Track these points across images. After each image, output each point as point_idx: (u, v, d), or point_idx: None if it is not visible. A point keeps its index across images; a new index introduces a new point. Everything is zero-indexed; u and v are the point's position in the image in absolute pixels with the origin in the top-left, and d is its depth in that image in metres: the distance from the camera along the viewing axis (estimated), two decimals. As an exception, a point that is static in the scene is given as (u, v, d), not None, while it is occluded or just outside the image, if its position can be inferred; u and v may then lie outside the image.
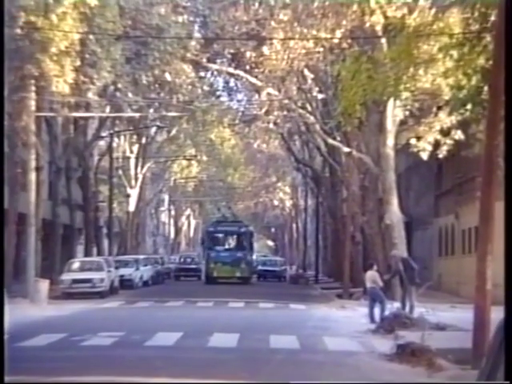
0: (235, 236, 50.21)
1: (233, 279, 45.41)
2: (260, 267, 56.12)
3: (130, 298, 30.91)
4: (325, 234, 56.32)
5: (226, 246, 49.64)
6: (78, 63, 26.80)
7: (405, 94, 21.85)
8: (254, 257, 63.61)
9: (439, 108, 24.28)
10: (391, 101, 25.08)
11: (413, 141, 26.05)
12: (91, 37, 27.19)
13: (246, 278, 46.31)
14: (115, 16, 27.46)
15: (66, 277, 31.70)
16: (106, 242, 49.38)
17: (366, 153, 29.51)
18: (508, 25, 11.42)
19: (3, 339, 7.33)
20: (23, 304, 26.49)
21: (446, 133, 24.82)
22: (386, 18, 18.87)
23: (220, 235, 49.43)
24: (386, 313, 19.54)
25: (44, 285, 28.24)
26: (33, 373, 11.42)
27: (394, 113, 26.36)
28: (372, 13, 17.55)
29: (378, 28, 21.56)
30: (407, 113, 26.49)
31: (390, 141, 26.91)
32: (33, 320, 21.38)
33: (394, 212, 27.13)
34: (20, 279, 31.23)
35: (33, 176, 30.09)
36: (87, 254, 42.59)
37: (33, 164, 30.09)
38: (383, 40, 21.64)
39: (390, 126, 26.68)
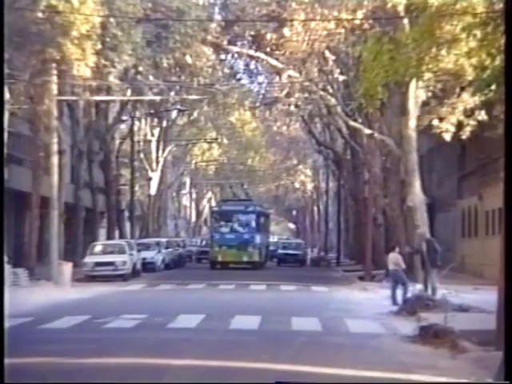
0: (243, 216, 43.51)
1: (240, 264, 41.36)
2: (280, 251, 52.43)
3: (152, 281, 31.08)
4: (346, 217, 56.22)
5: (233, 228, 43.15)
6: (99, 46, 26.83)
7: (427, 75, 21.62)
8: (272, 239, 63.05)
9: (462, 89, 24.10)
10: (413, 82, 24.88)
11: (435, 122, 25.88)
12: (112, 20, 27.19)
13: (255, 262, 41.58)
14: (136, -3, 27.50)
15: (89, 260, 31.93)
16: (127, 225, 49.61)
17: (388, 134, 29.38)
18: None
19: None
20: (47, 286, 26.81)
21: (469, 114, 24.63)
22: (408, -4, 18.74)
23: (226, 215, 43.62)
24: (409, 295, 19.50)
25: (67, 267, 28.49)
26: (56, 354, 11.58)
27: (416, 94, 26.17)
28: (394, -8, 17.48)
29: (400, 8, 21.39)
30: (430, 94, 26.27)
31: (412, 122, 26.75)
32: (56, 302, 21.55)
33: (417, 194, 27.02)
34: (43, 262, 31.51)
35: (55, 160, 30.26)
36: (109, 237, 42.87)
37: (55, 148, 30.24)
38: (405, 20, 21.47)
39: (412, 107, 26.50)
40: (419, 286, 20.68)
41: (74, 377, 9.96)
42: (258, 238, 42.67)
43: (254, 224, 43.04)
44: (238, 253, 41.41)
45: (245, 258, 41.55)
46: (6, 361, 11.27)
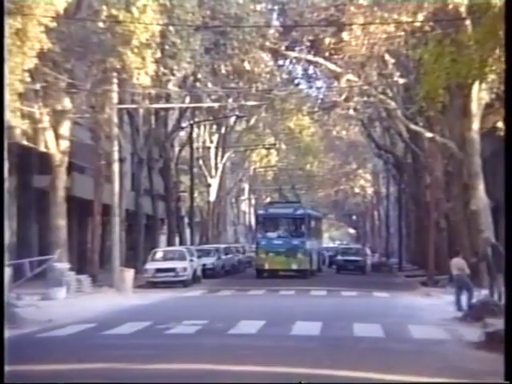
0: (291, 220, 39.86)
1: (288, 272, 38.03)
2: (339, 257, 48.87)
3: (212, 287, 31.24)
4: (407, 221, 55.68)
5: (281, 233, 39.36)
6: (159, 55, 27.10)
7: (491, 77, 21.36)
8: (333, 245, 62.31)
9: (527, 89, 23.64)
10: (476, 84, 24.55)
11: (499, 124, 25.45)
12: (171, 28, 27.49)
13: (304, 270, 37.84)
14: (194, 7, 27.71)
15: (150, 266, 32.24)
16: (187, 232, 50.03)
17: (450, 137, 29.01)
18: None
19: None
20: (109, 293, 27.14)
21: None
22: (469, -2, 18.50)
23: (273, 219, 39.93)
24: (474, 300, 19.22)
25: (129, 274, 28.77)
26: (120, 360, 11.70)
27: (480, 96, 25.80)
28: (455, -7, 17.23)
29: (462, 9, 21.09)
30: (493, 95, 25.86)
31: (476, 125, 26.37)
32: (119, 308, 21.77)
33: (481, 197, 26.62)
34: (106, 268, 31.92)
35: (116, 167, 30.63)
36: (170, 243, 43.23)
37: (116, 156, 30.61)
38: (467, 21, 21.16)
39: (475, 109, 26.13)
40: (485, 292, 20.35)
41: (137, 382, 10.05)
42: (308, 244, 38.85)
43: (303, 228, 39.34)
44: (287, 260, 37.71)
45: (294, 266, 37.85)
46: (72, 366, 11.44)
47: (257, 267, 39.19)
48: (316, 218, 44.90)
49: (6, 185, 31.33)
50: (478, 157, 26.80)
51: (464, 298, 19.77)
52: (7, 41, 11.46)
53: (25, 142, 29.21)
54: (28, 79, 21.59)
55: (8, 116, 22.27)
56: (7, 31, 15.05)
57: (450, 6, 20.36)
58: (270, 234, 38.89)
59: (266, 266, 38.05)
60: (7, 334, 15.82)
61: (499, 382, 2.71)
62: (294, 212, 39.68)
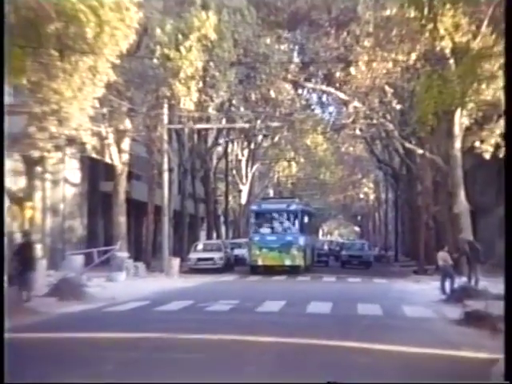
0: (285, 215, 31.94)
1: (282, 268, 30.53)
2: (344, 252, 41.15)
3: (242, 274, 31.10)
4: (402, 221, 55.24)
5: (274, 228, 31.69)
6: (201, 85, 27.24)
7: (470, 105, 21.27)
8: (341, 240, 60.43)
9: (499, 116, 23.46)
10: (458, 111, 24.40)
11: (477, 144, 25.28)
12: (211, 64, 27.58)
13: (298, 266, 30.54)
14: (230, 47, 27.75)
15: (193, 256, 32.32)
16: (223, 228, 50.07)
17: (437, 154, 28.84)
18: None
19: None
20: (160, 277, 27.11)
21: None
22: (453, 42, 18.36)
23: (266, 215, 32.01)
24: (455, 286, 19.11)
25: (176, 262, 28.85)
26: (168, 331, 11.75)
27: (461, 120, 25.62)
28: (441, 38, 17.12)
29: (447, 51, 20.99)
30: (472, 120, 25.70)
31: (458, 144, 26.19)
32: (167, 290, 21.79)
33: (462, 203, 26.42)
34: (157, 257, 32.05)
35: (166, 176, 30.79)
36: (208, 237, 43.27)
37: (165, 166, 30.78)
38: (451, 61, 21.05)
39: (458, 131, 25.95)
40: (464, 279, 20.21)
41: (180, 350, 9.95)
42: (301, 240, 31.19)
43: (297, 224, 31.41)
44: (280, 256, 30.42)
45: (287, 262, 30.50)
46: (130, 335, 11.48)
47: (250, 263, 31.26)
48: (310, 213, 36.58)
49: (79, 189, 31.85)
50: (459, 170, 26.60)
51: (447, 284, 19.60)
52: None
53: (94, 155, 29.56)
54: (97, 105, 21.81)
55: (81, 134, 22.58)
56: (82, 67, 15.23)
57: (438, 48, 20.25)
58: (264, 230, 31.31)
59: (260, 262, 30.65)
60: (78, 308, 16.02)
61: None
62: (287, 207, 32.03)
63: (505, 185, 8.18)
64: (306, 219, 33.60)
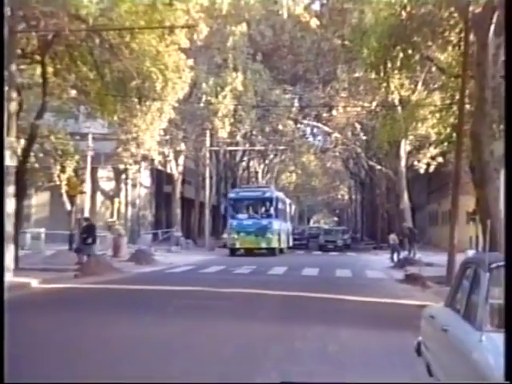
0: (260, 202, 25.22)
1: (258, 250, 24.09)
2: (321, 237, 33.15)
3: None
4: (366, 214, 54.86)
5: (250, 214, 25.00)
6: (232, 121, 27.36)
7: (410, 137, 21.34)
8: (323, 226, 59.57)
9: (430, 144, 23.51)
10: (403, 141, 24.46)
11: (415, 163, 25.38)
12: (239, 107, 27.71)
13: (273, 248, 24.15)
14: (252, 96, 27.86)
15: (225, 236, 32.15)
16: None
17: (389, 169, 28.88)
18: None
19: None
20: (202, 250, 26.85)
21: (433, 158, 24.04)
22: (400, 95, 18.47)
23: (243, 202, 25.40)
24: (400, 257, 19.09)
25: (213, 240, 28.87)
26: (208, 286, 11.66)
27: (405, 147, 25.73)
28: (392, 93, 17.21)
29: (396, 101, 21.03)
30: (412, 147, 25.81)
31: (403, 162, 26.26)
32: (207, 259, 21.69)
33: (405, 202, 26.41)
34: (201, 237, 32.16)
35: (207, 182, 30.90)
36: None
37: (207, 175, 30.90)
38: (399, 107, 21.07)
39: (403, 154, 26.06)
40: (406, 253, 20.15)
41: (214, 299, 9.71)
42: (276, 224, 24.71)
43: (271, 210, 24.79)
44: (256, 239, 24.03)
45: (263, 245, 24.08)
46: (183, 288, 11.42)
47: (229, 246, 24.76)
48: (283, 201, 29.30)
49: (150, 190, 32.18)
50: (404, 180, 26.64)
51: (395, 256, 19.60)
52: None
53: (160, 167, 29.84)
54: (162, 134, 22.06)
55: (152, 153, 22.83)
56: (153, 109, 15.39)
57: (390, 99, 20.27)
58: (241, 216, 24.80)
59: (238, 245, 24.39)
60: (148, 269, 16.12)
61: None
62: (262, 195, 25.47)
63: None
64: (280, 206, 26.63)
